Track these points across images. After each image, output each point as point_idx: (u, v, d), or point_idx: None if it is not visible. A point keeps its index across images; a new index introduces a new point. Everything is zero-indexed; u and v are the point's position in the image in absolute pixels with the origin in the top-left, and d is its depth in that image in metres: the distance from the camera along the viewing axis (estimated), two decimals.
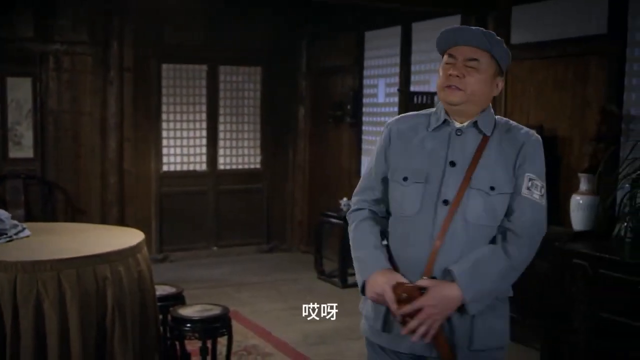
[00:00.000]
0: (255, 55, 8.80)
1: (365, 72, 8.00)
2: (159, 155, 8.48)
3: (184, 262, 8.34)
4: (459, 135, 2.45)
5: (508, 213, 2.41)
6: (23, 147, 7.65)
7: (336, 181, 8.49)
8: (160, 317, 4.39)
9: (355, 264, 2.59)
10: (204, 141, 8.74)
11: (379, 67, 7.80)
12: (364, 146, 8.02)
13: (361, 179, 2.68)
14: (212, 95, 8.69)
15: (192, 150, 8.67)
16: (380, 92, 7.78)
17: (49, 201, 7.67)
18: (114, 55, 7.81)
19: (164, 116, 8.50)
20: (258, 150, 9.06)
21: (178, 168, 8.63)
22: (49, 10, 7.64)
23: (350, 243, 2.61)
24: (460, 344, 2.38)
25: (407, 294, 2.30)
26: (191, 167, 8.68)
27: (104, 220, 7.67)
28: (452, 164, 2.41)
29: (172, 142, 8.57)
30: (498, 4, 6.18)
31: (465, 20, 6.53)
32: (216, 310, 4.41)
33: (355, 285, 7.44)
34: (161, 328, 4.44)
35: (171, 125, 8.55)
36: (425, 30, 7.10)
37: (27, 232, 4.17)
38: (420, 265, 2.38)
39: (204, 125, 8.71)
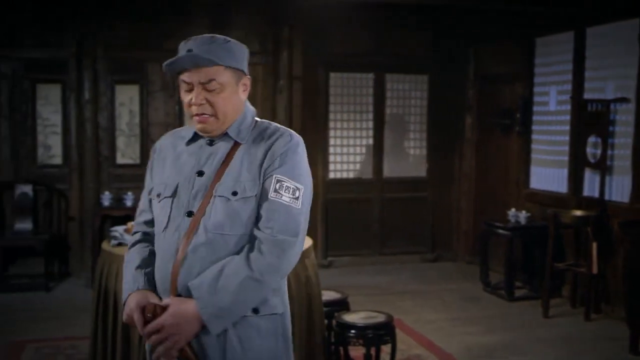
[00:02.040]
0: (421, 63, 8.77)
1: (536, 80, 7.76)
2: (325, 162, 8.63)
3: (348, 269, 8.42)
4: (210, 144, 2.32)
5: (257, 219, 2.21)
6: None
7: (503, 191, 8.30)
8: (325, 322, 4.45)
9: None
10: (370, 149, 8.78)
11: (550, 74, 7.54)
12: (534, 156, 7.79)
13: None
14: (379, 103, 8.73)
15: (358, 158, 8.74)
16: (551, 100, 7.52)
17: None
18: (284, 64, 8.03)
19: (331, 124, 8.64)
20: (424, 159, 9.01)
21: (344, 175, 8.74)
22: (224, 22, 7.97)
23: None
24: None
25: (152, 314, 2.15)
26: (357, 175, 8.74)
27: None
28: (200, 173, 2.27)
29: (338, 149, 8.69)
30: None
31: None
32: (381, 318, 4.42)
33: (522, 298, 7.29)
34: (326, 333, 4.50)
35: (338, 132, 8.67)
36: (601, 35, 6.80)
37: None
38: (167, 282, 2.22)
39: (370, 133, 8.75)
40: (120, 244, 4.14)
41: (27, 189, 7.54)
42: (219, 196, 2.21)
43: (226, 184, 2.22)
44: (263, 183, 2.22)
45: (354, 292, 6.85)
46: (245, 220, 2.21)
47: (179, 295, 2.18)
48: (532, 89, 7.81)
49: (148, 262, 2.34)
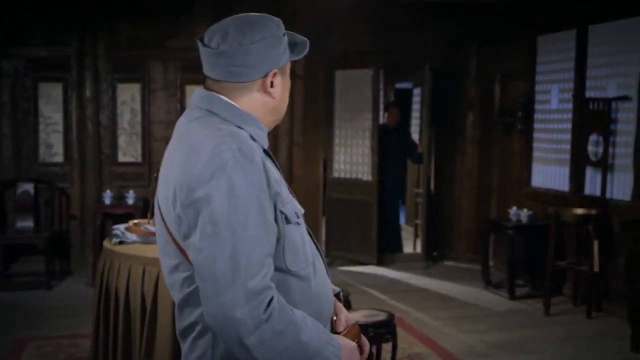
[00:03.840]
0: (423, 60, 8.72)
1: (538, 78, 7.75)
2: (330, 161, 8.64)
3: (349, 267, 8.41)
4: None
5: None
6: None
7: (505, 189, 8.29)
8: None
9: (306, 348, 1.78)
10: (375, 149, 8.49)
11: (552, 72, 7.54)
12: (535, 154, 7.78)
13: (248, 248, 1.71)
14: (377, 101, 8.62)
15: (360, 159, 8.64)
16: (553, 98, 7.52)
17: None
18: None
19: (336, 122, 8.62)
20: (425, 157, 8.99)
21: (348, 175, 8.68)
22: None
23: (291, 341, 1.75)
24: None
25: (358, 336, 2.09)
26: (359, 176, 8.65)
27: None
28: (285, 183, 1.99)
29: (343, 149, 8.67)
30: None
31: None
32: (382, 316, 4.42)
33: (523, 297, 7.26)
34: None
35: (343, 132, 8.66)
36: (603, 33, 6.79)
37: None
38: (331, 310, 2.03)
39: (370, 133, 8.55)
40: (121, 242, 4.14)
41: (29, 187, 7.55)
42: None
43: None
44: None
45: (355, 290, 6.86)
46: None
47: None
48: (533, 87, 7.80)
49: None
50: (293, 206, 1.89)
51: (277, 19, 2.00)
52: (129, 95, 7.93)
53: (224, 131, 1.80)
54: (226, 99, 1.91)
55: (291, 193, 1.95)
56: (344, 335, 1.98)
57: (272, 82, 1.93)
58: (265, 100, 1.95)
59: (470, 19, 8.34)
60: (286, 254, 1.84)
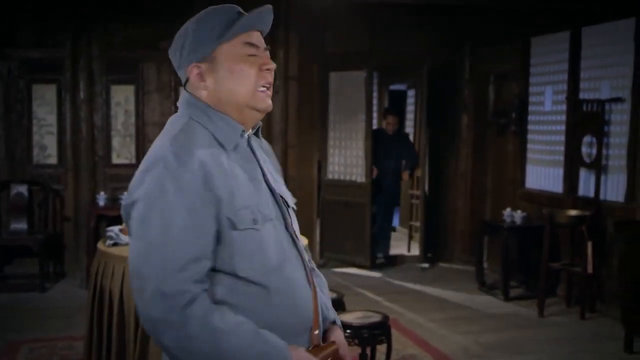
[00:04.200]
0: (417, 62, 8.71)
1: (531, 79, 7.77)
2: (324, 163, 8.62)
3: (343, 269, 8.41)
4: (249, 146, 1.95)
5: None
6: None
7: (499, 191, 8.30)
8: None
9: None
10: (369, 150, 8.40)
11: (545, 74, 7.55)
12: (529, 155, 7.79)
13: (170, 250, 1.71)
14: (370, 103, 8.54)
15: (354, 161, 8.63)
16: (546, 99, 7.53)
17: None
18: (280, 64, 7.99)
19: (331, 124, 8.60)
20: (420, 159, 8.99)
21: (342, 177, 8.67)
22: None
23: (212, 347, 1.71)
24: None
25: (332, 357, 1.93)
26: (353, 177, 8.63)
27: None
28: (267, 183, 1.93)
29: (337, 150, 8.65)
30: None
31: None
32: (376, 318, 4.42)
33: (517, 298, 7.25)
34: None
35: (337, 133, 8.63)
36: (596, 35, 6.81)
37: None
38: (307, 322, 1.91)
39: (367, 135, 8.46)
40: (115, 244, 4.14)
41: (23, 189, 7.53)
42: (292, 208, 2.00)
43: (285, 191, 1.99)
44: None
45: (349, 292, 6.87)
46: None
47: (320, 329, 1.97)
48: (527, 89, 7.82)
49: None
50: (252, 212, 1.81)
51: (215, 7, 1.92)
52: (122, 97, 7.92)
53: (170, 134, 1.87)
54: (197, 97, 1.95)
55: (271, 193, 1.92)
56: (310, 350, 1.87)
57: (201, 76, 1.91)
58: (208, 94, 1.93)
59: (464, 21, 8.35)
60: (236, 260, 1.78)
